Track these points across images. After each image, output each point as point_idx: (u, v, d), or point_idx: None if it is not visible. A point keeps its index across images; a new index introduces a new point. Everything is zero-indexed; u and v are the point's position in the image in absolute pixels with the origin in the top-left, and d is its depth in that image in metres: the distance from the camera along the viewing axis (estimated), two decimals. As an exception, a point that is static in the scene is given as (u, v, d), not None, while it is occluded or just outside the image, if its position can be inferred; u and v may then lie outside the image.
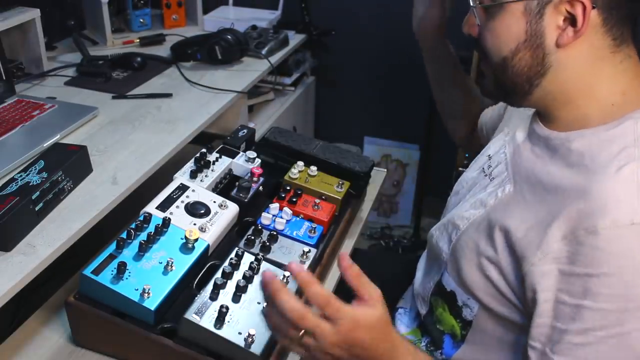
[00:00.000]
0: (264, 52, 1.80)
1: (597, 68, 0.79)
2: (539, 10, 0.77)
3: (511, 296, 0.83)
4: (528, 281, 0.77)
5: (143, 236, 0.97)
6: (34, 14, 1.50)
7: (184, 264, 0.96)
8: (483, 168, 0.97)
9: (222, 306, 0.88)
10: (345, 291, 1.19)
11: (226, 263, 0.97)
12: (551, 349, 0.75)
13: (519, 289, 0.80)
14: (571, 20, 0.76)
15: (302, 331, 0.73)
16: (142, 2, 1.97)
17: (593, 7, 0.74)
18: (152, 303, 0.89)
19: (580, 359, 0.73)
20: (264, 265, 1.00)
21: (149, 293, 0.89)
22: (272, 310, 0.76)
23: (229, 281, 0.94)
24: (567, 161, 0.79)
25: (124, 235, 0.96)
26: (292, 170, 1.24)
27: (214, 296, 0.91)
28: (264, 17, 2.09)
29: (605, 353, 0.72)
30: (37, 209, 1.01)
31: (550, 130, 0.84)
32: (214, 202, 1.10)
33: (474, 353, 0.92)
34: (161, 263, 0.94)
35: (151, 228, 0.99)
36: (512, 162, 0.90)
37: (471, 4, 0.84)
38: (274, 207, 1.13)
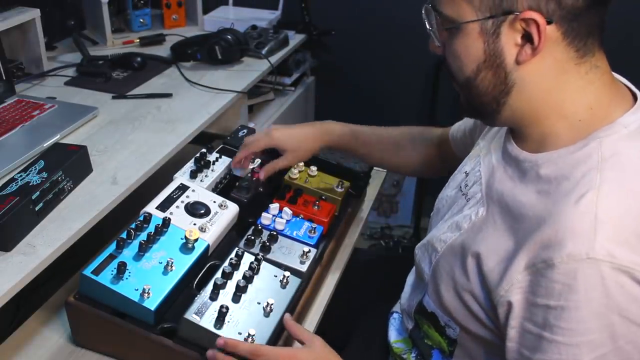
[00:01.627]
0: (264, 52, 1.80)
1: (562, 82, 0.77)
2: (494, 29, 0.75)
3: (487, 321, 0.83)
4: (500, 309, 0.78)
5: (143, 236, 0.97)
6: (34, 14, 1.50)
7: (184, 264, 0.96)
8: (460, 186, 0.96)
9: (222, 306, 0.88)
10: (344, 292, 1.19)
11: (226, 263, 0.97)
12: None
13: (494, 315, 0.81)
14: (529, 37, 0.73)
15: None
16: (142, 2, 1.97)
17: (549, 23, 0.72)
18: (152, 303, 0.89)
19: None
20: (264, 265, 1.00)
21: (149, 293, 0.89)
22: None
23: (229, 281, 0.94)
24: (536, 187, 0.78)
25: (124, 235, 0.96)
26: (292, 170, 1.24)
27: (214, 296, 0.91)
28: (264, 17, 2.09)
29: None
30: (37, 209, 1.01)
31: (521, 151, 0.83)
32: (214, 202, 1.10)
33: None
34: (161, 263, 0.94)
35: (151, 228, 0.99)
36: (486, 182, 0.88)
37: (427, 27, 0.82)
38: (274, 207, 1.13)
